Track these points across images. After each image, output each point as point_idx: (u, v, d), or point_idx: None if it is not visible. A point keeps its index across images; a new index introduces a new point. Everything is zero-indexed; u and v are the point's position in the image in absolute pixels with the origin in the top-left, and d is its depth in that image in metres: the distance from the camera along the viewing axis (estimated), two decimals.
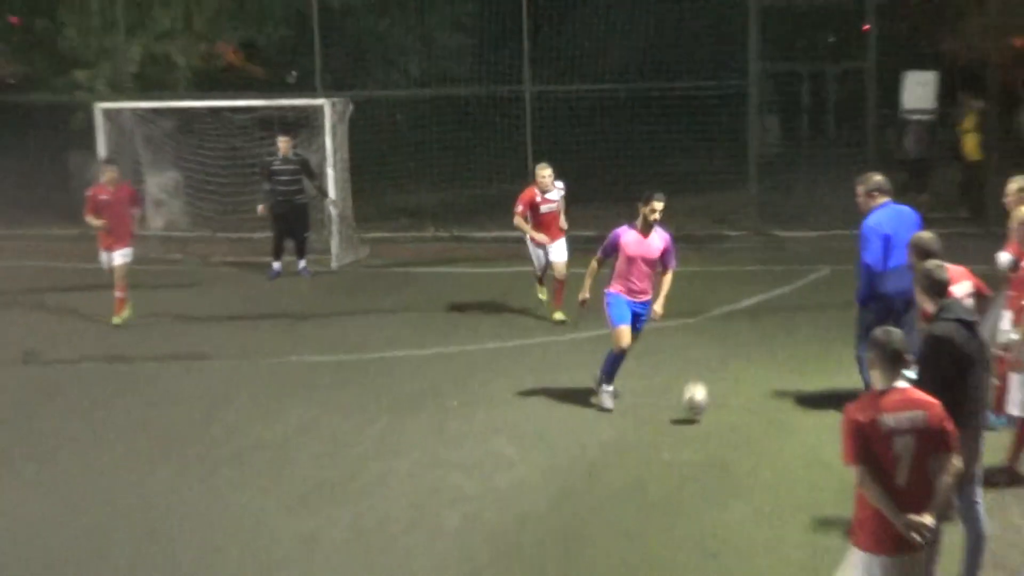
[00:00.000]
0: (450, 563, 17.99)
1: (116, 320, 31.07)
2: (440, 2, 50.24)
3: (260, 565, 18.10)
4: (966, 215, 35.27)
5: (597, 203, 29.78)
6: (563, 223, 29.29)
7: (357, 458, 22.39)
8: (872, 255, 22.46)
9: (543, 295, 29.72)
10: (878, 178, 23.73)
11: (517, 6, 42.30)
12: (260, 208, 38.31)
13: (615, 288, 23.32)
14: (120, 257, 30.97)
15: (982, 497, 15.54)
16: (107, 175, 31.36)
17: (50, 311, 33.48)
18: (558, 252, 28.67)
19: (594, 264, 23.43)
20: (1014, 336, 19.91)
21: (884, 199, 23.24)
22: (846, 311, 24.77)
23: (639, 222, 23.18)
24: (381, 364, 28.14)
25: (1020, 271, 19.82)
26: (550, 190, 28.74)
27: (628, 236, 22.92)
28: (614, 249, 23.41)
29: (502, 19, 44.50)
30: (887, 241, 22.23)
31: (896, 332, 13.45)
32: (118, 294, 30.84)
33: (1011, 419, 20.29)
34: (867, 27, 41.06)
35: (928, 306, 15.52)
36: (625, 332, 23.39)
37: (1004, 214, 27.91)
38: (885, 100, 41.19)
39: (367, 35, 48.95)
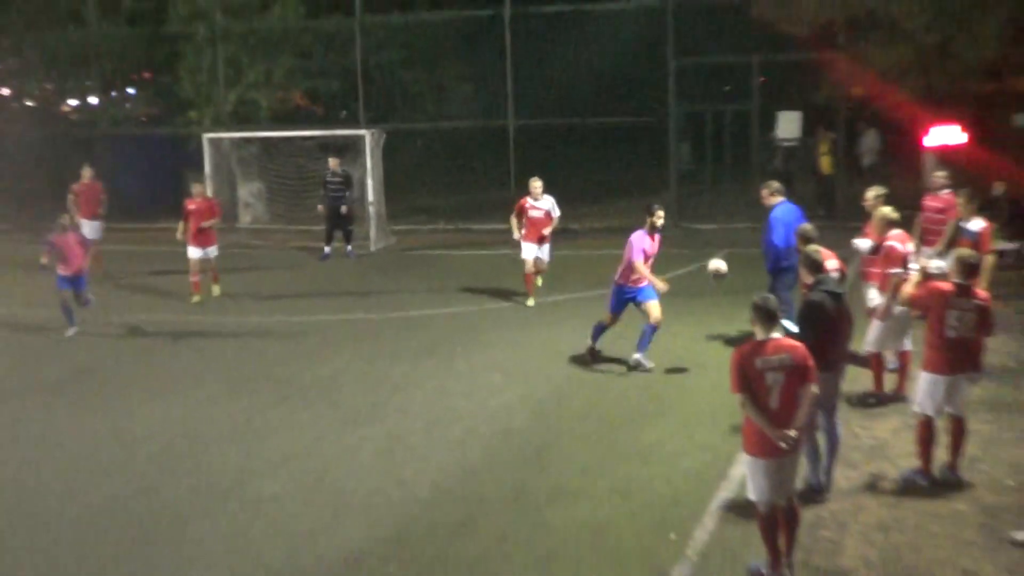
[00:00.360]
0: (453, 464, 18.11)
1: (196, 299, 30.99)
2: (448, 61, 50.35)
3: (319, 465, 18.25)
4: (822, 213, 35.36)
5: (563, 205, 29.60)
6: (547, 231, 28.71)
7: (387, 390, 22.42)
8: (779, 238, 23.24)
9: (531, 303, 28.90)
10: (777, 184, 24.72)
11: (503, 62, 42.30)
12: (319, 208, 38.59)
13: (623, 281, 22.93)
14: (211, 251, 31.20)
15: (839, 416, 15.68)
16: (195, 190, 31.71)
17: (162, 283, 33.36)
18: (544, 253, 28.60)
19: (640, 266, 22.87)
20: (879, 299, 20.26)
21: (780, 198, 24.21)
22: (740, 280, 24.79)
23: (648, 227, 22.84)
24: (405, 321, 28.11)
25: (880, 253, 19.95)
26: (539, 199, 28.35)
27: (644, 241, 22.59)
28: (643, 253, 22.89)
29: (492, 71, 44.48)
30: (787, 228, 22.76)
31: (771, 298, 13.80)
32: (194, 279, 30.97)
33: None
34: (763, 79, 41.17)
35: (807, 279, 15.95)
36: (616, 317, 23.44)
37: (850, 213, 27.83)
38: (764, 131, 41.24)
39: (396, 84, 48.97)
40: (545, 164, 40.20)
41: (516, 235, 28.46)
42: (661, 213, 23.29)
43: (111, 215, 35.26)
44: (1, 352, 26.23)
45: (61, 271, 27.13)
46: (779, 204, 24.07)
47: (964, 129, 38.29)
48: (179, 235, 30.83)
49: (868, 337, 20.06)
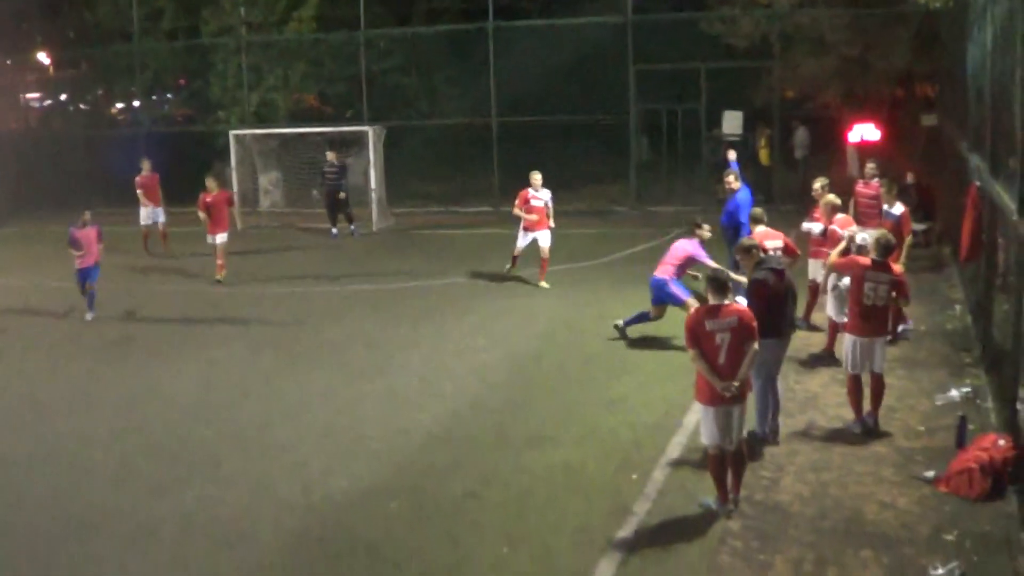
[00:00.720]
0: (444, 414, 18.07)
1: (218, 278, 29.76)
2: (440, 68, 50.30)
3: (328, 416, 18.25)
4: (761, 198, 35.18)
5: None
6: (551, 222, 27.55)
7: (387, 350, 22.29)
8: (744, 216, 23.13)
9: (508, 267, 28.12)
10: (736, 172, 25.52)
11: (487, 68, 42.21)
12: (314, 193, 39.87)
13: (671, 275, 21.86)
14: (220, 238, 29.96)
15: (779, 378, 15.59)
16: (209, 184, 30.40)
17: (194, 260, 33.15)
18: (544, 238, 27.19)
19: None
20: (822, 273, 20.69)
21: (740, 184, 24.72)
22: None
23: (698, 240, 21.75)
24: (403, 291, 27.90)
25: (828, 235, 20.03)
26: (539, 190, 27.47)
27: (699, 249, 21.89)
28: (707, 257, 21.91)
29: (477, 76, 44.46)
30: (748, 207, 23.16)
31: (722, 271, 14.29)
32: (219, 262, 29.80)
33: (810, 324, 21.78)
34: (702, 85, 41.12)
35: (747, 262, 15.97)
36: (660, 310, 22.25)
37: (784, 198, 27.74)
38: (711, 127, 41.21)
39: (395, 87, 48.97)
40: (523, 156, 40.18)
41: (529, 218, 27.17)
42: (708, 227, 22.14)
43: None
44: (53, 322, 26.10)
45: (79, 263, 26.02)
46: (740, 189, 24.54)
47: (880, 127, 38.35)
48: (204, 223, 30.01)
49: (828, 308, 20.17)
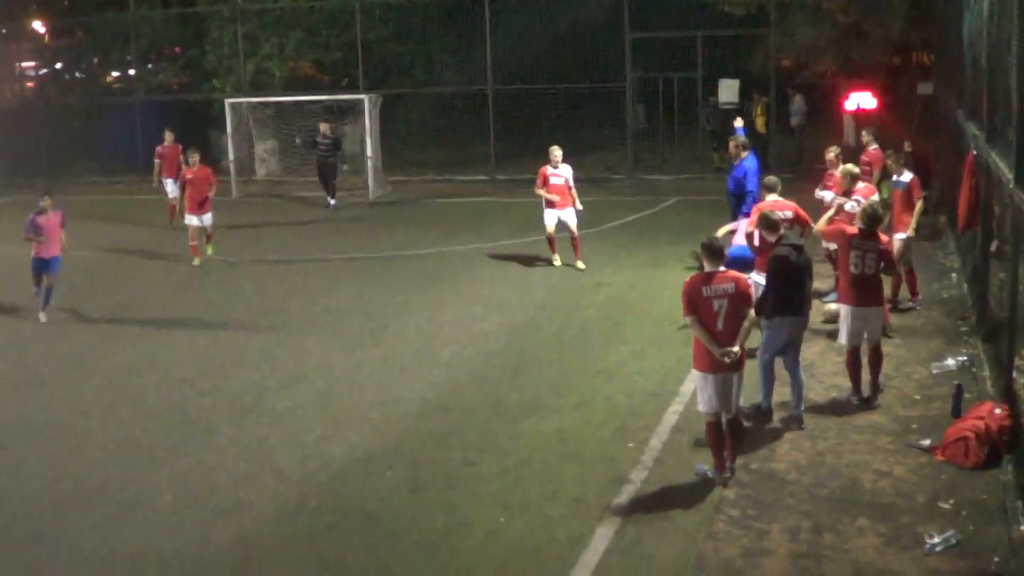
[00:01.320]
0: (441, 382, 18.11)
1: (196, 262, 28.12)
2: (435, 36, 50.13)
3: (326, 384, 18.28)
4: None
5: (534, 159, 29.44)
6: (578, 204, 26.16)
7: (386, 317, 22.30)
8: (752, 184, 23.09)
9: (557, 262, 26.40)
10: (744, 139, 24.84)
11: (483, 36, 42.11)
12: (297, 141, 40.35)
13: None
14: (207, 219, 28.39)
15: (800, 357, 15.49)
16: (192, 159, 28.71)
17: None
18: (569, 216, 25.98)
19: None
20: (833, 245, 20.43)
21: (747, 152, 24.07)
22: (687, 225, 24.73)
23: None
24: (400, 259, 27.91)
25: (840, 207, 19.98)
26: (559, 167, 26.24)
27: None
28: None
29: (473, 44, 44.39)
30: (756, 175, 23.07)
31: (717, 237, 14.06)
32: (193, 243, 28.22)
33: None
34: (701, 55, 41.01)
35: (769, 238, 15.74)
36: None
37: (780, 165, 27.66)
38: (707, 96, 41.16)
39: (391, 55, 48.84)
40: (519, 124, 40.17)
41: (551, 196, 25.82)
42: None
43: (148, 168, 34.80)
44: (53, 292, 26.04)
45: (36, 252, 23.93)
46: (748, 156, 24.01)
47: (876, 95, 38.33)
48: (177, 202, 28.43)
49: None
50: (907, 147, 30.66)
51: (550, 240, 26.30)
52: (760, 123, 40.83)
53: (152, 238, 32.40)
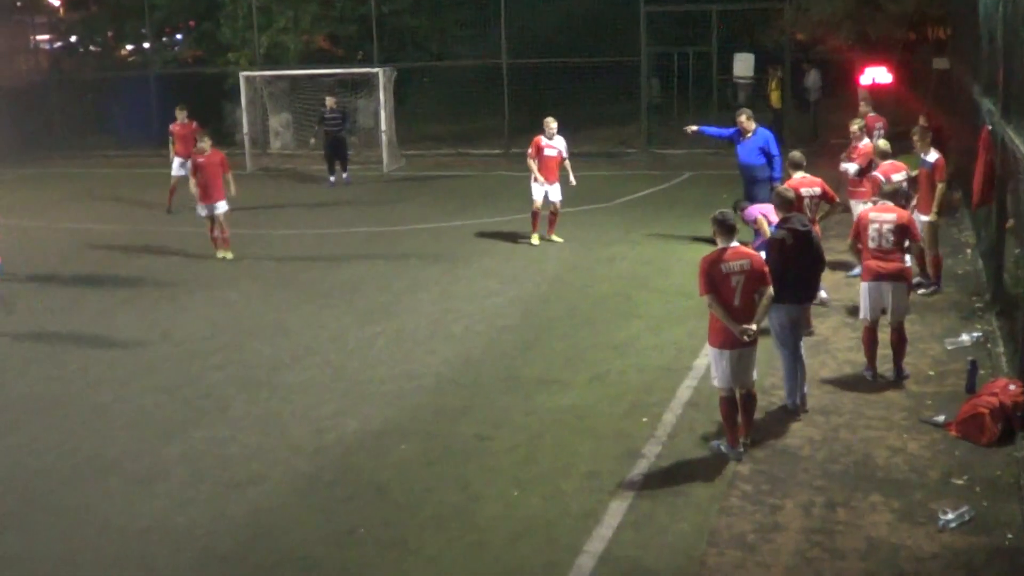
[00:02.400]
0: (455, 357, 18.10)
1: (226, 255, 26.03)
2: (450, 8, 49.94)
3: (339, 358, 18.31)
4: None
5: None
6: (572, 179, 26.07)
7: (398, 292, 22.26)
8: (777, 149, 23.60)
9: (536, 240, 26.07)
10: (749, 111, 24.78)
11: (497, 9, 42.03)
12: (312, 141, 38.76)
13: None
14: (220, 208, 26.05)
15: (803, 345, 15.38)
16: (202, 143, 26.63)
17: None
18: (555, 192, 25.76)
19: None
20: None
21: (755, 124, 24.12)
22: (702, 200, 24.67)
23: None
24: (413, 233, 27.87)
25: (871, 180, 19.83)
26: (553, 138, 25.98)
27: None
28: None
29: (488, 17, 44.32)
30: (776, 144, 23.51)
31: (729, 212, 13.87)
32: (224, 234, 26.10)
33: None
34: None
35: (779, 214, 15.33)
36: None
37: (796, 141, 27.58)
38: (723, 71, 41.02)
39: (405, 29, 48.70)
40: (533, 98, 40.07)
41: (537, 176, 25.70)
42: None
43: (163, 141, 34.58)
44: (64, 264, 26.10)
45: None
46: (759, 128, 23.99)
47: (891, 70, 38.14)
48: (193, 188, 26.13)
49: None
50: (922, 122, 30.62)
51: (534, 215, 26.04)
52: (775, 98, 40.65)
53: (164, 210, 32.30)
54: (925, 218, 19.99)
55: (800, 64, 41.87)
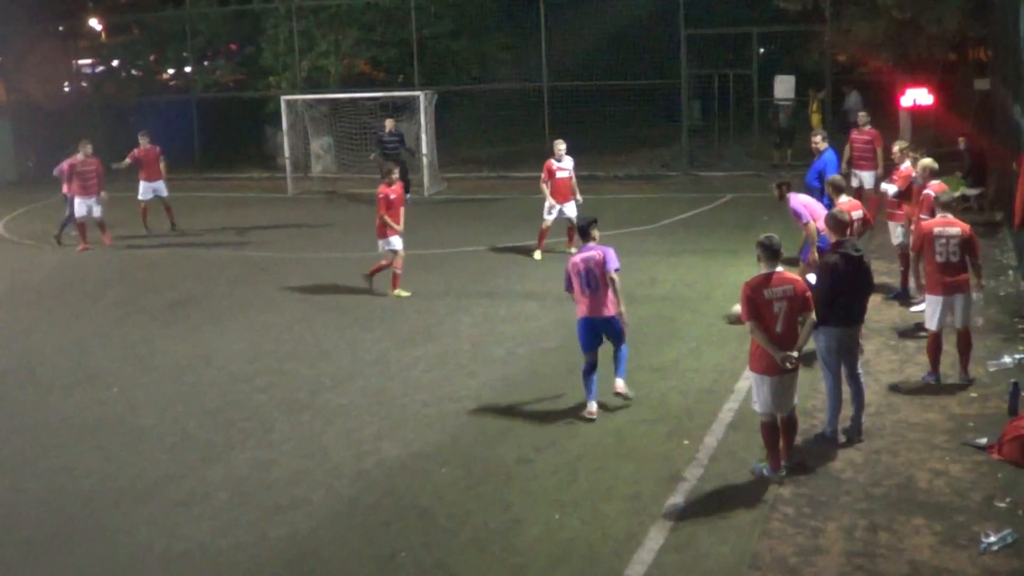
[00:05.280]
0: (496, 380, 18.16)
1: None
2: (491, 32, 50.17)
3: (380, 381, 18.34)
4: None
5: (589, 155, 29.25)
6: (578, 196, 26.85)
7: (439, 315, 22.31)
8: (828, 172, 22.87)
9: (538, 256, 26.90)
10: (824, 132, 25.30)
11: (538, 32, 42.14)
12: (372, 156, 38.18)
13: None
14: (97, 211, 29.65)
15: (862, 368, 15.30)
16: (84, 150, 30.34)
17: (245, 222, 33.35)
18: (571, 209, 26.48)
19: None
20: (902, 237, 21.07)
21: (827, 145, 24.31)
22: (743, 222, 24.64)
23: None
24: (454, 256, 27.95)
25: (922, 200, 19.74)
26: (562, 159, 26.73)
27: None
28: None
29: (528, 40, 44.45)
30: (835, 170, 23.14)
31: (774, 236, 13.63)
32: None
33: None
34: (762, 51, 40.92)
35: (831, 237, 15.13)
36: None
37: (844, 163, 27.52)
38: (763, 93, 40.99)
39: (446, 52, 48.92)
40: (574, 120, 40.13)
41: (549, 202, 26.46)
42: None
43: (206, 165, 34.76)
44: (105, 287, 26.26)
45: None
46: (827, 150, 24.16)
47: (932, 92, 38.06)
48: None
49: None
50: (962, 144, 30.60)
51: (542, 234, 26.93)
52: (816, 120, 40.63)
53: (208, 233, 32.53)
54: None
55: (841, 86, 41.85)
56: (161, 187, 33.54)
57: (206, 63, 53.30)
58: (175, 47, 51.74)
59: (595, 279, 16.35)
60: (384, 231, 24.02)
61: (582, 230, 16.88)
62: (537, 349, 19.73)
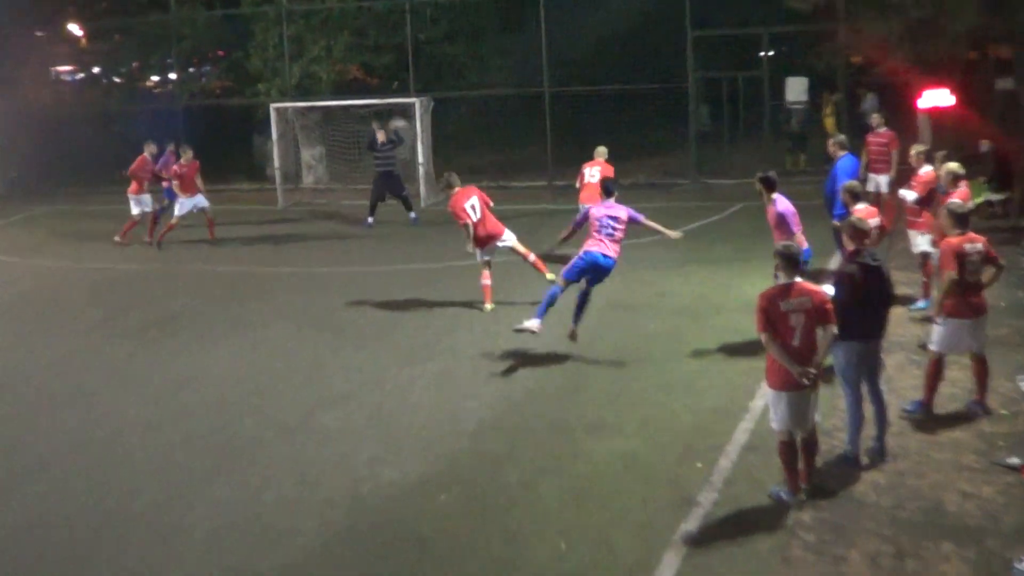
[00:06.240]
0: (498, 400, 17.99)
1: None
2: (489, 36, 50.22)
3: (376, 402, 18.22)
4: (828, 169, 35.09)
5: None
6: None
7: (437, 332, 22.22)
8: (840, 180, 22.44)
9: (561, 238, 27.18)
10: (842, 137, 24.36)
11: (538, 35, 42.05)
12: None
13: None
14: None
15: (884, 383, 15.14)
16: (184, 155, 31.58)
17: (233, 237, 33.31)
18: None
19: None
20: (925, 245, 20.98)
21: (845, 151, 23.61)
22: (755, 232, 24.57)
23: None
24: (453, 270, 27.81)
25: (937, 199, 19.71)
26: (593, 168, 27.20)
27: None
28: None
29: (528, 43, 44.38)
30: (849, 178, 22.22)
31: (793, 245, 13.66)
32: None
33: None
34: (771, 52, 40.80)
35: (849, 246, 14.77)
36: None
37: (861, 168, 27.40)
38: (775, 96, 40.96)
39: (443, 57, 48.91)
40: (576, 127, 40.05)
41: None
42: None
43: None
44: (91, 305, 26.21)
45: None
46: (843, 157, 23.55)
47: (953, 92, 37.93)
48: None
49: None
50: (985, 146, 30.48)
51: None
52: (830, 123, 40.61)
53: (195, 248, 32.50)
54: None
55: (856, 88, 41.78)
56: (202, 200, 33.16)
57: (192, 70, 53.26)
58: (160, 53, 51.76)
59: (613, 229, 20.29)
60: (487, 240, 24.15)
61: (608, 189, 20.10)
62: (540, 368, 19.58)
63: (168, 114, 48.11)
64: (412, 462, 15.51)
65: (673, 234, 21.55)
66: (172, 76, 52.77)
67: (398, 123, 37.75)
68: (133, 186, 32.63)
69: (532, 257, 24.30)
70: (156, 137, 34.67)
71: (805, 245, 18.17)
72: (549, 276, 23.78)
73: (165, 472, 15.70)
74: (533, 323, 19.79)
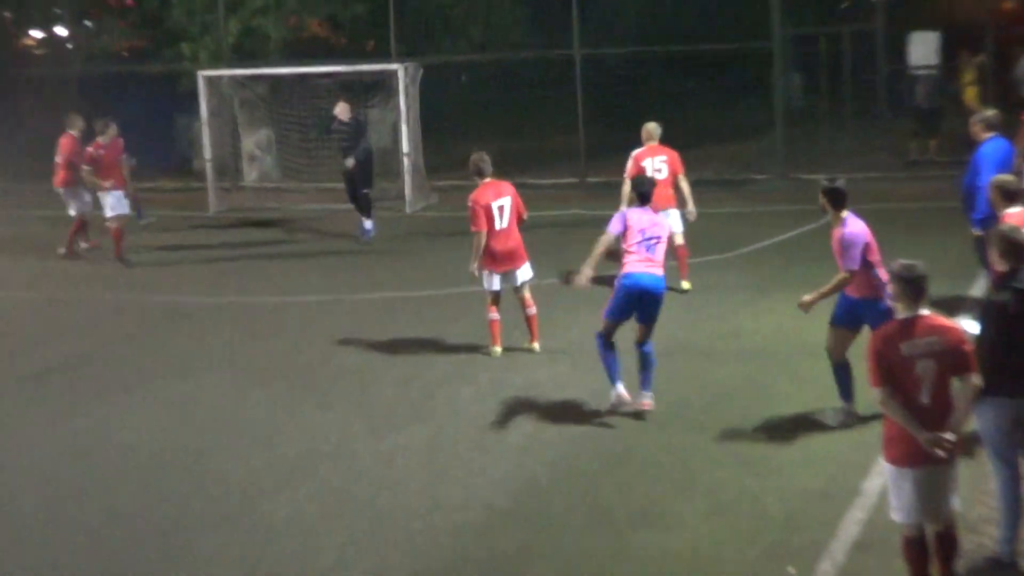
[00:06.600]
0: (513, 476, 17.99)
1: None
2: None
3: (345, 480, 18.19)
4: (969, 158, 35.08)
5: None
6: (690, 205, 26.96)
7: (429, 383, 22.34)
8: (985, 180, 22.05)
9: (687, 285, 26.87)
10: (989, 114, 24.48)
11: None
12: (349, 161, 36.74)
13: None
14: None
15: None
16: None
17: (153, 254, 33.41)
18: (674, 222, 26.10)
19: None
20: None
21: (992, 133, 23.68)
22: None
23: None
24: (449, 299, 28.02)
25: None
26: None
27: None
28: None
29: None
30: (998, 169, 22.13)
31: (918, 265, 13.17)
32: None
33: None
34: None
35: (999, 266, 14.49)
36: None
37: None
38: (893, 57, 40.99)
39: (435, 7, 49.02)
40: (619, 103, 40.06)
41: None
42: None
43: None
44: None
45: None
46: (990, 140, 23.59)
47: None
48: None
49: None
50: None
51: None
52: (971, 93, 40.57)
53: (96, 269, 32.59)
54: None
55: (1009, 46, 41.79)
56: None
57: (89, 24, 53.38)
58: (42, 2, 51.85)
59: (656, 240, 20.01)
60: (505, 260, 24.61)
61: (644, 193, 20.54)
62: (569, 434, 19.57)
63: (56, 83, 48.19)
64: (394, 565, 15.44)
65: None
66: (61, 32, 52.90)
67: (338, 111, 36.96)
68: (60, 176, 32.89)
69: (532, 311, 24.32)
70: (38, 115, 34.76)
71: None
72: (535, 346, 24.05)
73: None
74: (621, 391, 19.56)
